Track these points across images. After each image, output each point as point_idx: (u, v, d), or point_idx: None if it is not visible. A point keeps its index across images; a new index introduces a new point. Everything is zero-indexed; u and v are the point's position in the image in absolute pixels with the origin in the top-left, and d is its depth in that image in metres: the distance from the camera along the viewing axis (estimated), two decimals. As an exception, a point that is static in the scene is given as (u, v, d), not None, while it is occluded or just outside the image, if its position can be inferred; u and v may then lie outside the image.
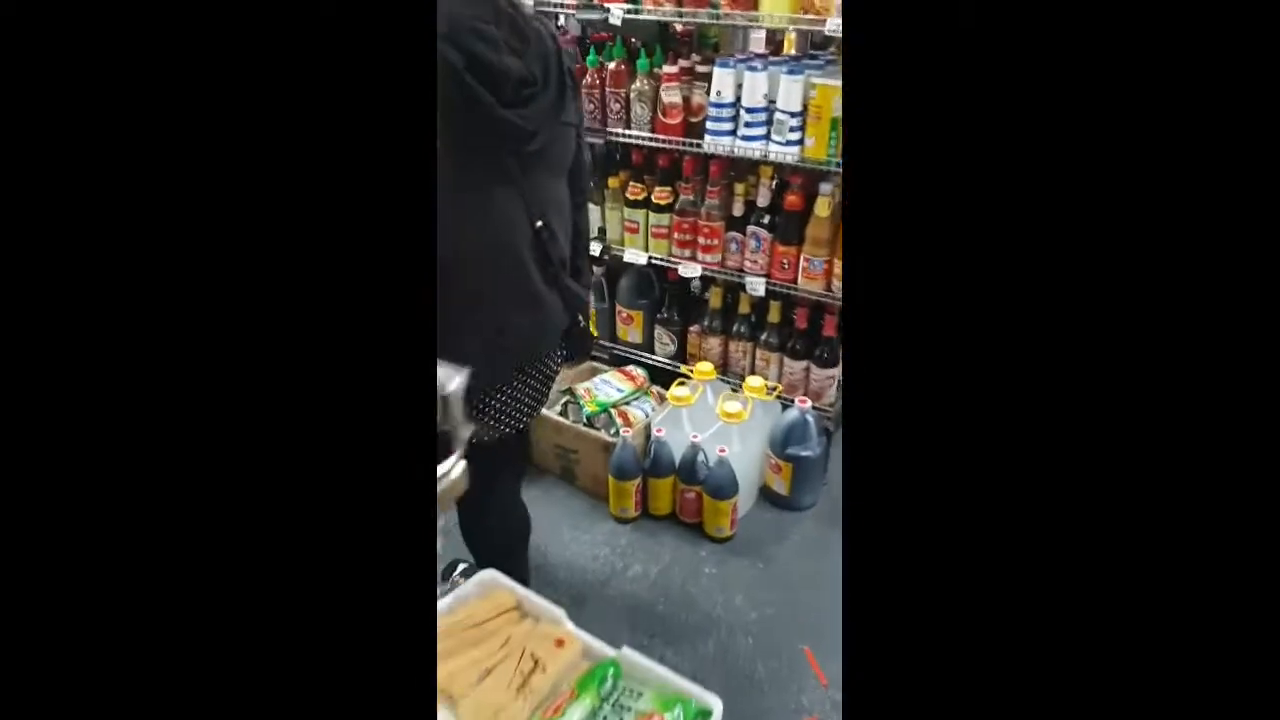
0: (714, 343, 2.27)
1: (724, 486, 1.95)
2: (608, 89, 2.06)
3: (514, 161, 1.14)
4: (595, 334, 1.68)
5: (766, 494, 2.17)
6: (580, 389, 2.18)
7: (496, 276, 1.18)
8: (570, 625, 1.09)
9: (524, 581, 1.83)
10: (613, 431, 2.08)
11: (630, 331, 2.40)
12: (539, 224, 1.20)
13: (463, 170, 1.07)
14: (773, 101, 1.89)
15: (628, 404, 2.18)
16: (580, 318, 1.35)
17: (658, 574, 1.93)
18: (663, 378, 2.30)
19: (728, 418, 1.99)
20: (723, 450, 1.94)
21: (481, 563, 1.46)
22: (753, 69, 1.87)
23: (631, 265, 2.30)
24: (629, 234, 2.25)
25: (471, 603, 1.15)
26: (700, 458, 1.98)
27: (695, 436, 1.98)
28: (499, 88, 1.08)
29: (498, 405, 1.28)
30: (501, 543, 1.53)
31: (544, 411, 2.16)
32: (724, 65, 1.91)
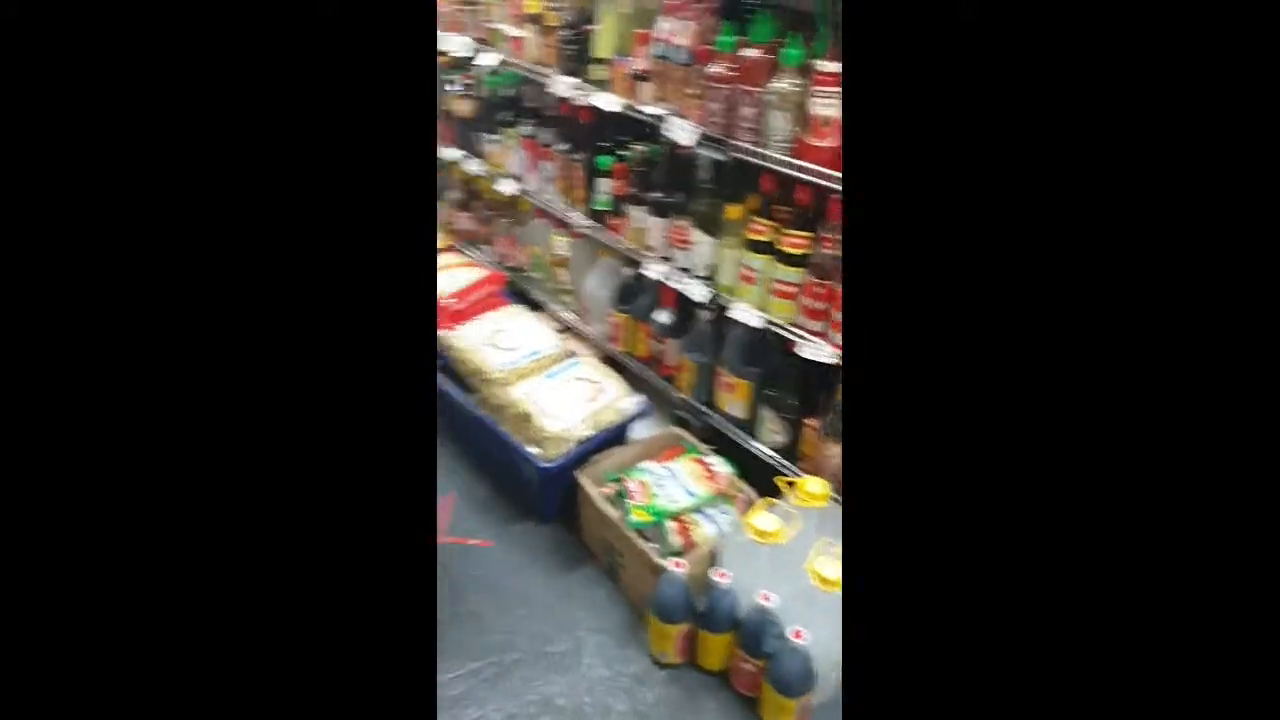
0: (836, 451, 1.64)
1: (792, 682, 1.37)
2: (739, 86, 1.44)
3: None
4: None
5: (865, 679, 1.54)
6: (634, 482, 1.65)
7: None
8: None
9: None
10: (665, 552, 1.56)
11: (732, 403, 1.82)
12: None
13: None
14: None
15: (699, 510, 1.63)
16: None
17: (679, 765, 1.42)
18: (765, 475, 1.71)
19: (824, 584, 1.39)
20: (799, 634, 1.34)
21: None
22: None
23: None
24: (744, 283, 1.64)
25: None
26: (771, 625, 1.40)
27: (766, 597, 1.40)
28: None
29: None
30: None
31: (591, 492, 1.68)
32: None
